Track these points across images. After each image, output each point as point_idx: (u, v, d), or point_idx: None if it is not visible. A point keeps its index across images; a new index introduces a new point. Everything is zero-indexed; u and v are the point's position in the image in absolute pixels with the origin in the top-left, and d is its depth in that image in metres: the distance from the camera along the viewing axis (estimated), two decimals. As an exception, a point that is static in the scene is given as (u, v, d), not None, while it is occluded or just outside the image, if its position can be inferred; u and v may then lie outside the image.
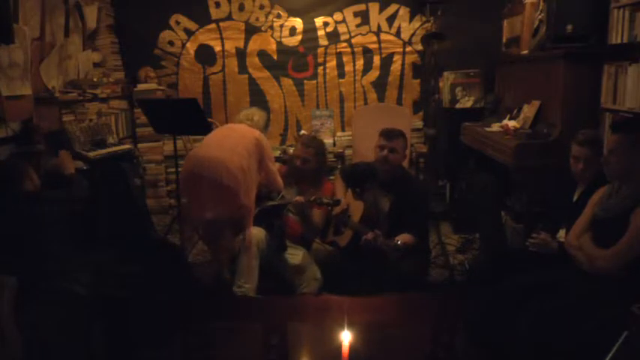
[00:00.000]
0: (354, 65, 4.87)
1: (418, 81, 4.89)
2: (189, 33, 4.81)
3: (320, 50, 4.83)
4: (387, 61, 4.86)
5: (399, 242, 2.70)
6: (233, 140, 3.09)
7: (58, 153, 2.86)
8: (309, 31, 4.80)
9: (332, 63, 4.87)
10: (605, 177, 2.39)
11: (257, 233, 3.02)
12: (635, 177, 2.14)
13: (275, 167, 3.25)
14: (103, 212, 3.30)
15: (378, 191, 3.00)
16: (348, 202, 3.11)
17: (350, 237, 2.98)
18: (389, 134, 3.01)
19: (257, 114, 3.35)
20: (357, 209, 3.01)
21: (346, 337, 1.64)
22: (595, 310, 1.98)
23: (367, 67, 4.87)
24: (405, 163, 4.40)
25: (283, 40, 4.82)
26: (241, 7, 4.78)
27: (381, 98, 4.92)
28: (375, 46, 4.83)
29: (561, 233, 2.51)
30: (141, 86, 4.64)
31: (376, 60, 4.86)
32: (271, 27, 4.80)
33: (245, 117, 3.32)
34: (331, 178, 4.42)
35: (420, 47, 4.73)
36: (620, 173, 2.20)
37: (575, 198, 2.57)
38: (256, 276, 2.92)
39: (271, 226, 3.10)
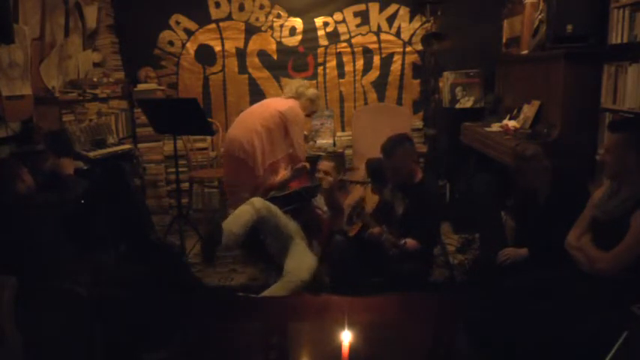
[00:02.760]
0: (354, 65, 4.87)
1: (418, 81, 4.88)
2: (189, 33, 4.81)
3: (320, 50, 4.83)
4: (387, 61, 4.86)
5: (403, 242, 2.70)
6: (253, 118, 3.66)
7: (60, 160, 2.85)
8: (309, 31, 4.80)
9: (332, 63, 4.87)
10: (563, 175, 2.55)
11: (258, 200, 3.06)
12: (633, 177, 2.13)
13: (300, 138, 3.72)
14: (103, 212, 3.30)
15: (395, 192, 3.00)
16: (364, 194, 3.11)
17: (359, 228, 2.99)
18: (386, 151, 2.93)
19: (301, 87, 3.81)
20: (371, 203, 3.01)
21: (346, 337, 1.64)
22: (595, 310, 1.98)
23: (367, 67, 4.87)
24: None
25: (283, 40, 4.82)
26: (241, 7, 4.78)
27: (381, 98, 4.92)
28: (375, 46, 4.83)
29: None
30: (141, 86, 4.64)
31: (376, 60, 4.86)
32: (271, 27, 4.80)
33: (290, 91, 3.80)
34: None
35: (420, 47, 4.73)
36: (616, 172, 2.20)
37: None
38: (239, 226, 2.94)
39: (298, 211, 3.22)
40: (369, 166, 3.27)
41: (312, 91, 3.85)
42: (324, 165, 3.37)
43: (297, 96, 3.77)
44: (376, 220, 2.91)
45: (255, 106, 3.86)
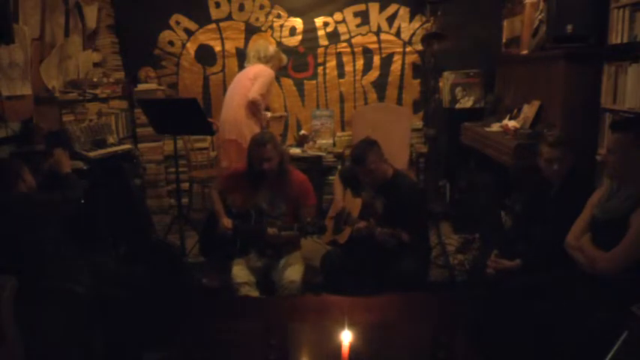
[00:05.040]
0: (354, 65, 4.87)
1: (418, 81, 4.88)
2: (189, 33, 4.81)
3: (320, 50, 4.83)
4: (387, 61, 4.85)
5: (398, 231, 2.70)
6: (233, 93, 3.90)
7: (54, 151, 2.85)
8: (309, 31, 4.80)
9: (332, 63, 4.86)
10: (576, 172, 2.53)
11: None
12: (634, 176, 2.14)
13: (262, 89, 3.78)
14: (103, 212, 3.31)
15: (372, 193, 3.00)
16: (346, 202, 3.11)
17: (349, 234, 2.98)
18: (355, 160, 2.93)
19: (260, 46, 4.02)
20: (355, 207, 3.01)
21: (346, 337, 1.64)
22: (595, 310, 1.98)
23: (367, 67, 4.87)
24: (405, 163, 4.42)
25: (283, 40, 4.82)
26: (241, 7, 4.78)
27: (381, 98, 4.91)
28: (375, 46, 4.83)
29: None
30: (141, 86, 4.64)
31: (376, 60, 4.86)
32: (271, 27, 4.80)
33: (254, 57, 3.98)
34: (334, 177, 4.48)
35: (420, 47, 4.72)
36: (619, 172, 2.20)
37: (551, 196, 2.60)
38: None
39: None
40: (342, 175, 3.26)
41: (272, 49, 4.06)
42: (263, 152, 2.95)
43: (267, 60, 3.97)
44: (362, 220, 2.91)
45: (231, 84, 4.06)
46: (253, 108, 3.81)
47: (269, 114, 4.16)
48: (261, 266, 3.04)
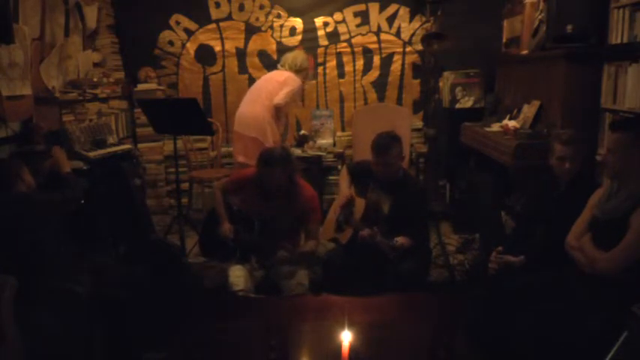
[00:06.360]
0: (354, 65, 4.87)
1: (418, 81, 4.89)
2: (189, 33, 4.81)
3: (320, 50, 4.83)
4: (387, 61, 4.86)
5: (396, 241, 2.69)
6: (259, 91, 3.93)
7: (52, 150, 2.83)
8: (309, 31, 4.80)
9: (332, 63, 4.87)
10: (585, 174, 2.53)
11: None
12: (634, 176, 2.14)
13: (287, 97, 3.85)
14: (103, 212, 3.31)
15: (379, 192, 3.00)
16: (353, 198, 3.09)
17: (351, 234, 2.98)
18: (379, 149, 2.90)
19: (299, 57, 4.04)
20: (358, 207, 3.01)
21: (346, 337, 1.64)
22: (595, 311, 1.98)
23: (367, 67, 4.87)
24: (405, 163, 4.42)
25: (283, 40, 4.82)
26: (241, 7, 4.78)
27: (381, 98, 4.92)
28: (375, 46, 4.83)
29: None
30: (141, 86, 4.65)
31: (376, 60, 4.86)
32: (271, 27, 4.80)
33: (288, 64, 4.00)
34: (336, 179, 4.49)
35: (420, 47, 4.72)
36: (619, 172, 2.20)
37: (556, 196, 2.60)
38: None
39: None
40: (351, 169, 3.24)
41: (307, 63, 4.12)
42: (274, 174, 2.87)
43: (299, 71, 4.01)
44: (365, 223, 2.90)
45: (259, 81, 4.11)
46: (274, 112, 3.86)
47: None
48: (261, 274, 3.02)
